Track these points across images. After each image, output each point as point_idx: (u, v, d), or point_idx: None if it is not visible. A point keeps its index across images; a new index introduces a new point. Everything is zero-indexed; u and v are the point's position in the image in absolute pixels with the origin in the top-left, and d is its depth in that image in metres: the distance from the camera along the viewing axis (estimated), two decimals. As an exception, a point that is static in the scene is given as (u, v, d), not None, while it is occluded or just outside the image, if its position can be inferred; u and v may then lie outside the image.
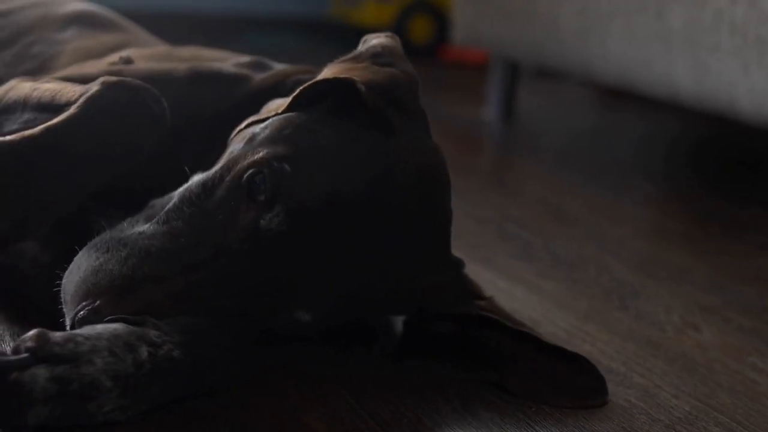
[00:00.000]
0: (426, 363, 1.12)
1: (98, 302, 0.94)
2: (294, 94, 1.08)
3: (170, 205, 1.03)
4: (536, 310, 1.35)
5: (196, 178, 1.05)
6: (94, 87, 0.94)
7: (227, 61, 1.30)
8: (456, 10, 3.06)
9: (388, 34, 1.20)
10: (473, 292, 1.15)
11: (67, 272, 0.99)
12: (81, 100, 0.93)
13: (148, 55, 1.31)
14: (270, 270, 0.99)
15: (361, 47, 1.19)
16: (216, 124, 1.18)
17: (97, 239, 1.01)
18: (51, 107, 1.07)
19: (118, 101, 0.94)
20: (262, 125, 1.07)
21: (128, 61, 1.25)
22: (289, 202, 0.98)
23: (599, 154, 2.75)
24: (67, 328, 0.96)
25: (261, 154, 1.01)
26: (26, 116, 1.09)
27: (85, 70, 1.24)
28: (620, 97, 3.60)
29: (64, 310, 0.98)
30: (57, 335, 0.88)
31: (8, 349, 0.88)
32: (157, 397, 0.93)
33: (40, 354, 0.86)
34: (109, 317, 0.94)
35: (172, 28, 1.96)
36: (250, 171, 1.00)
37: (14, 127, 1.08)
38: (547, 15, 2.65)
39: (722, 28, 2.01)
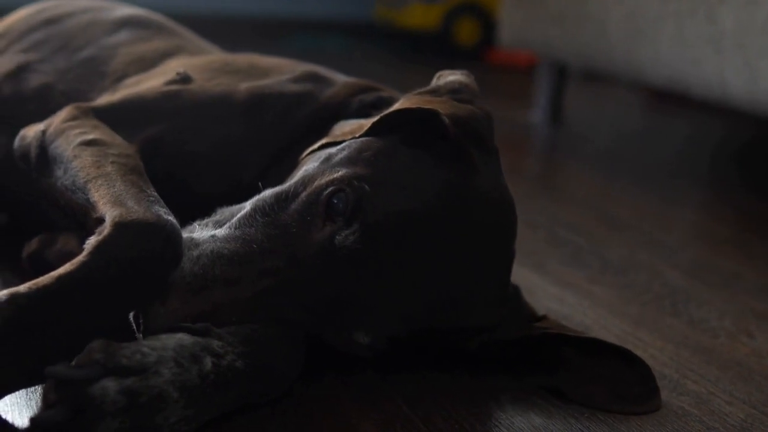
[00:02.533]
0: (479, 370, 1.11)
1: (167, 297, 0.94)
2: (374, 119, 1.09)
3: (243, 212, 1.03)
4: (588, 316, 1.34)
5: (270, 190, 1.06)
6: (105, 230, 0.95)
7: (284, 72, 1.30)
8: (504, 12, 3.06)
9: (464, 72, 1.20)
10: (530, 316, 1.16)
11: None
12: (92, 247, 0.94)
13: (203, 66, 1.32)
14: (338, 287, 0.99)
15: (437, 82, 1.19)
16: (281, 143, 1.19)
17: None
18: (82, 189, 1.06)
19: (128, 246, 0.93)
20: (339, 147, 1.08)
21: (186, 78, 1.25)
22: (366, 222, 0.98)
23: (646, 157, 2.73)
24: (131, 317, 0.96)
25: (341, 173, 1.01)
26: (66, 182, 1.10)
27: (141, 90, 1.26)
28: (666, 100, 3.57)
29: None
30: (123, 346, 0.88)
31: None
32: (218, 408, 0.93)
33: (109, 366, 0.86)
34: (173, 326, 0.94)
35: (218, 31, 1.97)
36: (331, 188, 1.00)
37: (59, 177, 1.10)
38: (596, 18, 2.64)
39: (774, 31, 1.99)
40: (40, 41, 1.44)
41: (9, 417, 0.93)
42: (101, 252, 0.92)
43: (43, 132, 1.17)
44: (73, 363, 0.86)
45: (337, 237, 0.98)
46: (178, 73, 1.26)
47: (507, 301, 1.10)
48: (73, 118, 1.17)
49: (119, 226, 0.94)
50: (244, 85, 1.25)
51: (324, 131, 1.19)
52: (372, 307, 1.00)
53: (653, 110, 3.58)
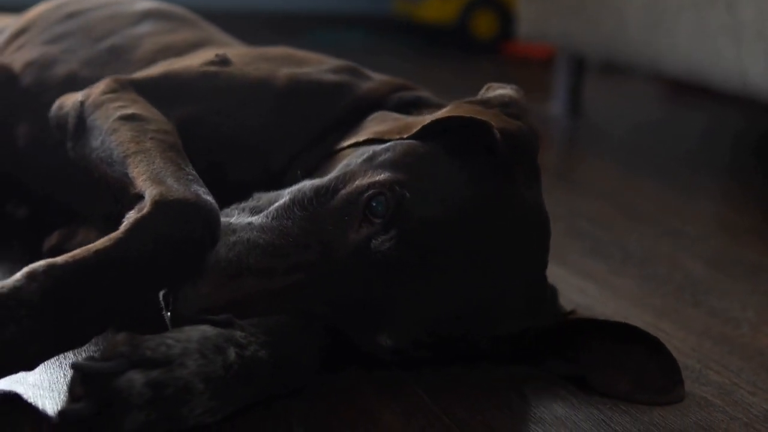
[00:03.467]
0: (500, 359, 1.11)
1: (199, 281, 0.94)
2: (425, 122, 1.08)
3: (281, 202, 1.03)
4: (609, 307, 1.34)
5: (309, 182, 1.06)
6: (146, 207, 0.95)
7: (320, 65, 1.30)
8: (522, 4, 3.05)
9: (514, 86, 1.19)
10: (559, 312, 1.15)
11: None
12: (131, 224, 0.93)
13: (239, 53, 1.32)
14: (368, 289, 0.99)
15: (487, 93, 1.18)
16: (315, 132, 1.19)
17: None
18: (120, 164, 1.07)
19: (168, 225, 0.93)
20: (384, 146, 1.07)
21: (225, 60, 1.25)
22: (404, 229, 0.98)
23: (666, 148, 2.72)
24: (161, 297, 0.96)
25: (384, 176, 1.01)
26: (102, 154, 1.10)
27: (180, 67, 1.26)
28: (685, 92, 3.56)
29: None
30: (146, 338, 0.88)
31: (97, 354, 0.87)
32: (243, 399, 0.93)
33: (134, 358, 0.86)
34: (196, 318, 0.94)
35: (236, 27, 1.97)
36: (372, 191, 1.00)
37: (95, 149, 1.11)
38: (614, 9, 2.63)
39: (795, 21, 1.98)
40: (62, 33, 1.44)
41: (34, 410, 0.94)
42: (140, 229, 0.93)
43: (82, 102, 1.16)
44: (98, 356, 0.86)
45: (373, 241, 0.98)
46: (217, 55, 1.26)
47: (539, 313, 1.10)
48: (112, 90, 1.17)
49: (160, 205, 0.95)
50: (284, 71, 1.24)
51: (360, 124, 1.19)
52: (399, 312, 0.99)
53: (672, 102, 3.57)
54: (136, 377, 0.85)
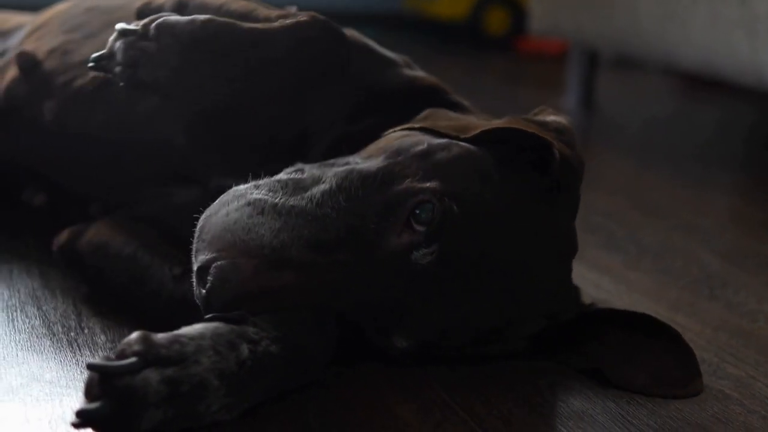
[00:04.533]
0: (516, 353, 1.11)
1: (242, 260, 0.93)
2: (484, 128, 1.07)
3: (326, 187, 1.02)
4: (625, 301, 1.34)
5: (356, 168, 1.04)
6: (301, 17, 1.07)
7: None
8: (533, 0, 3.05)
9: (565, 116, 1.19)
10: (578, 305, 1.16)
11: (211, 210, 0.99)
12: (288, 21, 1.06)
13: None
14: (399, 296, 0.98)
15: (541, 116, 1.18)
16: (365, 103, 1.20)
17: (251, 188, 1.01)
18: (248, 18, 1.16)
19: (315, 35, 1.07)
20: (440, 143, 1.06)
21: None
22: (446, 245, 0.98)
23: (679, 142, 2.71)
24: (194, 265, 0.95)
25: (435, 185, 1.00)
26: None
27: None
28: (699, 86, 3.55)
29: (196, 245, 0.97)
30: (160, 337, 0.88)
31: (109, 353, 0.88)
32: (257, 394, 0.93)
33: (149, 357, 0.86)
34: (209, 316, 0.94)
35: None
36: (421, 196, 0.99)
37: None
38: (627, 3, 2.62)
39: (809, 13, 1.98)
40: (83, 22, 1.45)
41: (51, 407, 0.94)
42: (293, 28, 1.08)
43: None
44: (113, 356, 0.86)
45: (414, 252, 0.98)
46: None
47: (558, 315, 1.10)
48: None
49: (313, 18, 1.10)
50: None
51: (407, 108, 1.18)
52: (420, 318, 1.00)
53: (685, 96, 3.56)
54: (152, 375, 0.85)
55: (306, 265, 0.95)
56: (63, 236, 1.27)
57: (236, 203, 0.98)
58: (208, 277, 0.93)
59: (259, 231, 0.95)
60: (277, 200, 0.99)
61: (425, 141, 1.06)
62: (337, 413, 0.97)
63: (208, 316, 0.94)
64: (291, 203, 0.99)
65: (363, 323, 1.01)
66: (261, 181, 1.02)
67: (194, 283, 0.96)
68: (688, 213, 1.91)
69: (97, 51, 1.26)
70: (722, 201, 2.09)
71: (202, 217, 0.99)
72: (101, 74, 1.18)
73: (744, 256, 1.62)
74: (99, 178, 1.33)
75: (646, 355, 1.08)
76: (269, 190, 1.00)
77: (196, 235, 0.98)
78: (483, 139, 1.07)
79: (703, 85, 3.46)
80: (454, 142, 1.07)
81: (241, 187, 1.01)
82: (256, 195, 0.99)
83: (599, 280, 1.42)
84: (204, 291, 0.93)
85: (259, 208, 0.97)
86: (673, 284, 1.44)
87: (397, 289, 0.98)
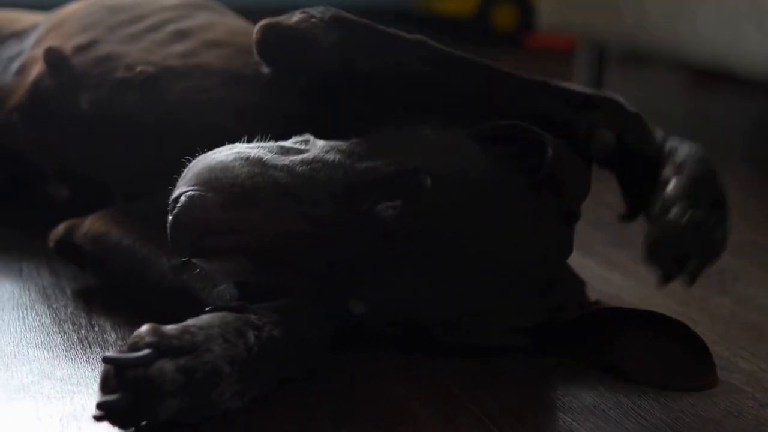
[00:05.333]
0: (526, 349, 1.11)
1: (210, 194, 0.94)
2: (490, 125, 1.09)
3: (315, 154, 1.03)
4: (635, 296, 1.33)
5: (353, 140, 1.06)
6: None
7: None
8: (541, -5, 3.05)
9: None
10: (583, 302, 1.16)
11: (203, 155, 1.00)
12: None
13: None
14: (359, 253, 0.99)
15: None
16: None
17: (247, 146, 1.02)
18: None
19: None
20: (434, 129, 1.08)
21: None
22: (412, 207, 0.99)
23: (688, 136, 2.69)
24: (170, 199, 0.96)
25: (415, 162, 1.02)
26: None
27: None
28: (709, 81, 3.54)
29: (178, 183, 0.98)
30: (170, 328, 0.90)
31: (121, 347, 0.89)
32: (266, 380, 0.94)
33: (162, 348, 0.87)
34: (212, 307, 0.96)
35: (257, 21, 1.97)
36: (398, 169, 1.01)
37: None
38: (635, -3, 2.62)
39: (818, 6, 1.97)
40: (104, 20, 1.44)
41: (62, 405, 0.94)
42: None
43: (334, 18, 1.18)
44: (126, 348, 0.87)
45: (378, 206, 0.99)
46: None
47: (556, 308, 1.10)
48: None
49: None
50: None
51: None
52: (380, 284, 1.00)
53: (695, 90, 3.55)
54: (167, 365, 0.86)
55: (275, 211, 0.96)
56: (59, 230, 1.28)
57: (228, 151, 1.00)
58: (177, 205, 0.94)
59: (236, 172, 0.96)
60: (267, 155, 1.00)
61: (426, 126, 1.09)
62: (347, 409, 0.97)
63: (208, 308, 0.95)
64: (280, 161, 1.00)
65: (327, 285, 1.02)
66: (264, 143, 1.04)
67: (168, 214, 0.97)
68: (698, 207, 1.90)
69: (128, 45, 1.31)
70: (732, 195, 2.05)
71: (194, 160, 1.00)
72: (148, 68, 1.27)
73: (755, 250, 1.61)
74: (132, 167, 1.33)
75: (659, 350, 1.08)
76: (265, 149, 1.02)
77: (182, 174, 0.99)
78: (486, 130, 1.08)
79: (714, 79, 3.45)
80: (449, 130, 1.08)
81: (243, 144, 1.03)
82: (250, 148, 1.01)
83: (609, 276, 1.41)
84: (170, 218, 0.94)
85: (245, 155, 0.99)
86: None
87: (358, 244, 0.99)
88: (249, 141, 1.04)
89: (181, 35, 1.38)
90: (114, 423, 0.86)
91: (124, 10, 1.46)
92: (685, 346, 1.07)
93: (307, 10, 1.17)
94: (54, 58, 1.39)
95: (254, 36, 1.18)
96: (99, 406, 0.85)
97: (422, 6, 4.99)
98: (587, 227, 1.67)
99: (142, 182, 1.28)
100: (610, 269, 1.45)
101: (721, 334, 1.21)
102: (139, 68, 1.30)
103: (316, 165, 1.01)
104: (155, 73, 1.28)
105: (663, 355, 1.08)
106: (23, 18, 1.61)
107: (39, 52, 1.43)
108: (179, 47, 1.35)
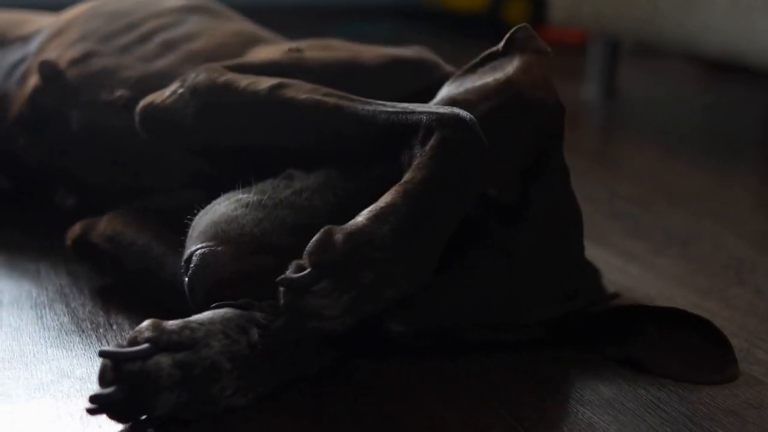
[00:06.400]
0: (544, 343, 1.11)
1: (221, 248, 0.95)
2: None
3: (314, 183, 1.03)
4: (653, 288, 1.33)
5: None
6: (434, 135, 0.96)
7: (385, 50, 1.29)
8: (553, -11, 3.04)
9: (537, 48, 1.10)
10: (602, 296, 1.16)
11: (204, 210, 1.01)
12: (431, 155, 0.95)
13: (306, 46, 1.31)
14: None
15: (499, 75, 1.11)
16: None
17: (241, 192, 1.02)
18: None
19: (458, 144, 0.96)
20: None
21: (301, 51, 1.25)
22: None
23: (703, 128, 2.70)
24: (182, 260, 0.97)
25: None
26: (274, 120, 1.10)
27: (263, 56, 1.25)
28: (723, 72, 3.53)
29: (187, 243, 0.99)
30: (171, 323, 0.90)
31: (123, 342, 0.89)
32: (270, 378, 0.94)
33: (160, 343, 0.88)
34: (217, 304, 0.95)
35: (266, 19, 1.97)
36: None
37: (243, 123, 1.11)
38: (647, -10, 2.61)
39: (832, -5, 1.96)
40: (101, 28, 1.45)
41: (82, 403, 0.94)
42: (443, 153, 0.95)
43: (194, 89, 1.14)
44: (125, 343, 0.88)
45: None
46: (290, 49, 1.25)
47: (575, 297, 1.10)
48: (221, 74, 1.14)
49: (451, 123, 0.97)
50: (369, 53, 1.24)
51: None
52: (412, 299, 0.99)
53: (708, 82, 3.54)
54: (164, 360, 0.87)
55: (287, 249, 0.95)
56: (76, 229, 1.28)
57: (225, 202, 1.01)
58: (190, 265, 0.95)
59: (241, 221, 0.97)
60: (263, 196, 1.01)
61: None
62: (363, 400, 0.97)
63: (214, 304, 0.95)
64: (278, 197, 1.01)
65: None
66: (254, 185, 1.04)
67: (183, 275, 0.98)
68: (714, 198, 1.91)
69: (118, 57, 1.28)
70: (748, 186, 2.07)
71: (196, 217, 1.01)
72: (126, 92, 1.28)
73: (772, 241, 1.61)
74: (134, 181, 1.34)
75: (679, 343, 1.08)
76: (259, 190, 1.02)
77: (188, 234, 1.00)
78: None
79: (728, 71, 3.44)
80: None
81: (236, 191, 1.03)
82: (245, 194, 1.01)
83: (626, 267, 1.41)
84: (186, 280, 0.96)
85: (244, 203, 1.00)
86: (701, 270, 1.43)
87: None
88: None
89: (167, 47, 1.39)
90: (110, 416, 0.86)
91: (122, 15, 1.47)
92: (706, 339, 1.07)
93: (184, 77, 1.17)
94: (49, 72, 1.40)
95: (135, 116, 1.20)
96: (92, 398, 0.85)
97: (432, 2, 4.98)
98: (604, 219, 1.68)
99: (156, 194, 1.29)
100: (626, 260, 1.44)
101: (740, 326, 1.20)
102: (119, 92, 1.32)
103: (307, 194, 1.02)
104: (132, 98, 1.27)
105: (683, 348, 1.07)
106: (31, 20, 1.61)
107: (39, 60, 1.43)
108: (161, 62, 1.36)
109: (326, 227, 0.90)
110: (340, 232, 0.90)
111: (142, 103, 1.20)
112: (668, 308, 1.11)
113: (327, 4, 4.95)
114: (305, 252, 0.90)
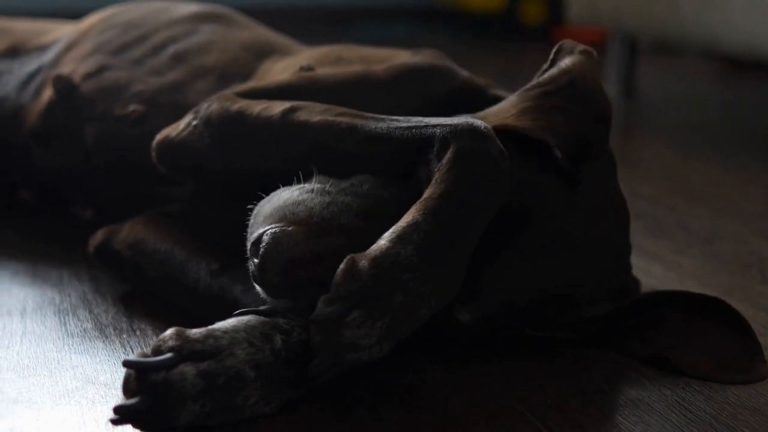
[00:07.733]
0: (569, 342, 1.11)
1: (292, 228, 0.94)
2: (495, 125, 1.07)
3: (371, 178, 1.03)
4: (676, 287, 1.32)
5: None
6: (451, 148, 0.96)
7: (396, 57, 1.29)
8: (570, -12, 3.03)
9: (585, 50, 1.15)
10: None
11: (266, 199, 1.00)
12: (448, 168, 0.95)
13: (318, 59, 1.32)
14: None
15: (552, 70, 1.12)
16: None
17: (301, 184, 1.01)
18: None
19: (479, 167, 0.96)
20: None
21: (311, 68, 1.24)
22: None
23: (723, 127, 2.69)
24: (248, 244, 0.96)
25: None
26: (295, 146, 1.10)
27: (275, 78, 1.25)
28: (742, 70, 3.51)
29: (250, 229, 0.98)
30: (194, 332, 0.90)
31: (147, 351, 0.89)
32: (295, 385, 0.93)
33: (184, 352, 0.88)
34: (241, 310, 0.95)
35: (282, 23, 1.98)
36: None
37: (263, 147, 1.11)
38: (665, -12, 2.60)
39: None
40: (114, 39, 1.46)
41: (107, 409, 0.95)
42: (460, 168, 0.95)
43: (207, 120, 1.14)
44: (149, 352, 0.88)
45: None
46: (301, 67, 1.24)
47: (621, 298, 1.11)
48: (234, 101, 1.14)
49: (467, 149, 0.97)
50: (379, 67, 1.23)
51: (467, 109, 1.17)
52: (481, 287, 1.00)
53: (728, 79, 3.52)
54: (188, 369, 0.87)
55: (356, 231, 0.95)
56: (98, 236, 1.29)
57: (288, 189, 1.00)
58: (261, 245, 0.93)
59: (308, 204, 0.97)
60: (326, 184, 1.01)
61: None
62: (386, 401, 0.97)
63: (237, 311, 0.95)
64: (340, 185, 1.01)
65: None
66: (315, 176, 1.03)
67: (249, 262, 0.96)
68: (735, 197, 1.90)
69: (131, 70, 1.32)
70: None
71: (257, 205, 1.00)
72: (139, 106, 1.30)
73: (794, 239, 1.60)
74: (149, 192, 1.34)
75: (708, 340, 1.07)
76: (319, 180, 1.02)
77: (250, 221, 0.99)
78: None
79: (748, 68, 3.43)
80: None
81: (293, 185, 1.02)
82: (309, 185, 1.01)
83: (649, 267, 1.40)
84: (257, 260, 0.93)
85: (308, 189, 0.99)
86: (723, 269, 1.42)
87: None
88: None
89: (177, 59, 1.40)
90: (135, 426, 0.86)
91: (135, 26, 1.48)
92: (735, 336, 1.07)
93: (197, 108, 1.17)
94: (63, 87, 1.41)
95: (152, 152, 1.21)
96: (116, 409, 0.85)
97: (448, 2, 4.98)
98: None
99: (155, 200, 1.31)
100: (649, 260, 1.44)
101: (763, 324, 1.19)
102: (131, 107, 1.34)
103: (367, 185, 1.02)
104: (145, 112, 1.30)
105: (712, 346, 1.07)
106: (50, 30, 1.62)
107: (54, 73, 1.44)
108: (171, 76, 1.37)
109: (349, 256, 0.90)
110: (364, 259, 0.89)
111: (158, 138, 1.20)
112: (685, 292, 1.11)
113: (342, 7, 4.96)
114: (332, 284, 0.89)
